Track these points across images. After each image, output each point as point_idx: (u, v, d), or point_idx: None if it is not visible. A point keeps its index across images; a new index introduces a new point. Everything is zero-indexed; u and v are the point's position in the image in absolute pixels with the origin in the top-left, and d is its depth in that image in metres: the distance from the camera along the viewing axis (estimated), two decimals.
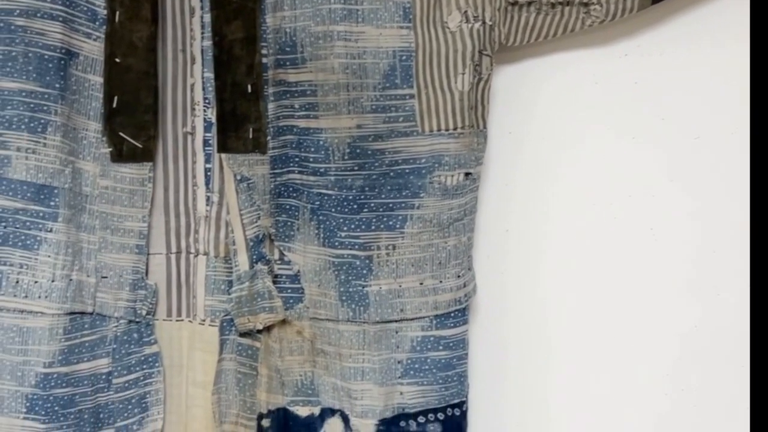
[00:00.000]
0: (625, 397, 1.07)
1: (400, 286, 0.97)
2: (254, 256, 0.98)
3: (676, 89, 1.04)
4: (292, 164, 0.98)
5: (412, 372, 0.97)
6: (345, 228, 0.97)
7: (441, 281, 0.98)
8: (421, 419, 0.97)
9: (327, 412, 0.99)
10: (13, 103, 0.93)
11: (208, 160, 1.01)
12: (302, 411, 1.00)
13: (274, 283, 0.98)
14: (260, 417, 1.00)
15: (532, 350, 1.07)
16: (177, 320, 1.03)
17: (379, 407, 0.97)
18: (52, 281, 0.95)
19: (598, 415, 1.07)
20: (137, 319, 0.99)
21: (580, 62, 1.06)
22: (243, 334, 0.98)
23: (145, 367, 1.00)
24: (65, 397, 0.95)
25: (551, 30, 0.99)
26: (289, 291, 1.00)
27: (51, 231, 0.95)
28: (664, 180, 1.05)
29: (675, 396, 1.06)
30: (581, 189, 1.06)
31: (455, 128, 0.97)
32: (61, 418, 0.95)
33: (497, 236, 1.06)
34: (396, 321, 0.97)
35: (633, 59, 1.05)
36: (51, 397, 0.94)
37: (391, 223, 0.97)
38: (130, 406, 0.99)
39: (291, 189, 0.98)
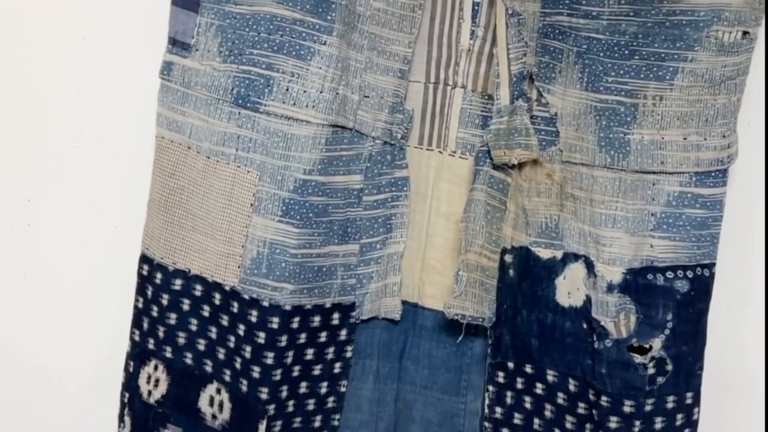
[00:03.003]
0: None
1: (663, 138, 0.95)
2: (515, 92, 0.97)
3: None
4: (562, 6, 0.96)
5: (665, 226, 0.96)
6: (612, 73, 0.95)
7: (705, 138, 0.96)
8: (670, 274, 0.96)
9: (570, 257, 0.99)
10: None
11: None
12: (544, 253, 1.00)
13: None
14: (504, 252, 1.00)
15: None
16: (427, 149, 1.04)
17: (627, 256, 0.96)
18: (320, 92, 0.97)
19: None
20: (392, 142, 1.01)
21: None
22: (496, 168, 0.99)
23: (393, 189, 1.02)
24: (319, 206, 0.98)
25: None
26: (543, 133, 0.99)
27: (324, 44, 0.96)
28: None
29: None
30: None
31: None
32: (314, 225, 0.98)
33: (760, 104, 1.03)
34: (655, 173, 0.96)
35: None
36: (307, 204, 0.97)
37: (660, 73, 0.94)
38: (376, 225, 1.02)
39: (558, 31, 0.97)
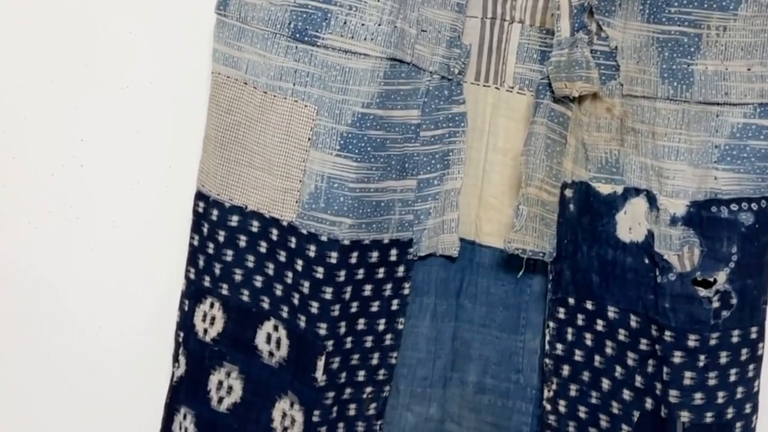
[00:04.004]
0: None
1: (727, 69, 0.94)
2: (576, 24, 0.96)
3: None
4: None
5: (729, 158, 0.94)
6: (675, 3, 0.93)
7: None
8: (734, 207, 0.94)
9: (631, 192, 0.97)
10: None
11: None
12: (604, 188, 0.98)
13: None
14: (564, 186, 0.99)
15: None
16: (484, 85, 1.03)
17: (691, 188, 0.94)
18: (379, 25, 0.95)
19: None
20: (449, 77, 1.00)
21: None
22: (556, 101, 0.97)
23: (451, 125, 1.01)
24: (377, 140, 0.97)
25: None
26: (602, 68, 0.97)
27: None
28: None
29: None
30: None
31: None
32: (372, 159, 0.97)
33: None
34: (718, 104, 0.94)
35: None
36: (365, 137, 0.96)
37: (724, 3, 0.92)
38: (433, 161, 1.01)
39: None
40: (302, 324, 0.98)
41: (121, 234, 1.11)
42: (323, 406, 0.98)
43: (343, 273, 0.97)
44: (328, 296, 0.97)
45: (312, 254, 0.97)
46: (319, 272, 0.97)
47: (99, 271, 1.12)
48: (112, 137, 1.10)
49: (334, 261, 0.97)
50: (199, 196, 1.03)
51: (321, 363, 0.98)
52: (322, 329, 0.98)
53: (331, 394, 0.99)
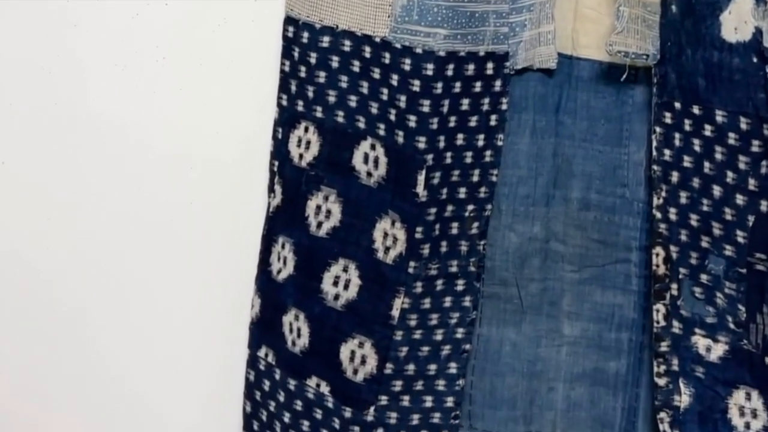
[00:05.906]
0: None
1: None
2: None
3: None
4: None
5: None
6: None
7: None
8: None
9: None
10: None
11: None
12: None
13: None
14: None
15: None
16: None
17: None
18: None
19: None
20: None
21: None
22: None
23: None
24: None
25: None
26: None
27: None
28: None
29: None
30: None
31: None
32: None
33: None
34: None
35: None
36: None
37: None
38: None
39: None
40: (400, 140, 0.96)
41: (209, 72, 1.08)
42: (425, 222, 0.97)
43: (440, 85, 0.95)
44: (425, 109, 0.95)
45: (407, 67, 0.95)
46: (416, 85, 0.95)
47: (187, 110, 1.09)
48: None
49: (430, 73, 0.94)
50: (288, 20, 1.01)
51: (421, 177, 0.96)
52: (421, 143, 0.95)
53: (432, 210, 0.97)
